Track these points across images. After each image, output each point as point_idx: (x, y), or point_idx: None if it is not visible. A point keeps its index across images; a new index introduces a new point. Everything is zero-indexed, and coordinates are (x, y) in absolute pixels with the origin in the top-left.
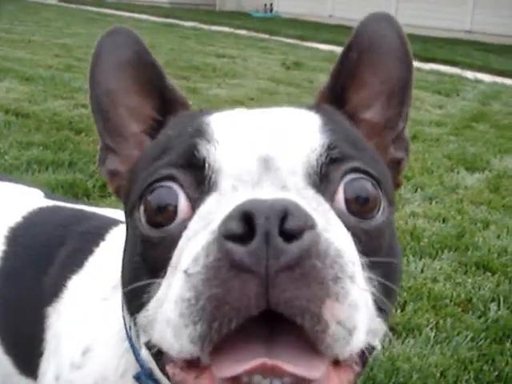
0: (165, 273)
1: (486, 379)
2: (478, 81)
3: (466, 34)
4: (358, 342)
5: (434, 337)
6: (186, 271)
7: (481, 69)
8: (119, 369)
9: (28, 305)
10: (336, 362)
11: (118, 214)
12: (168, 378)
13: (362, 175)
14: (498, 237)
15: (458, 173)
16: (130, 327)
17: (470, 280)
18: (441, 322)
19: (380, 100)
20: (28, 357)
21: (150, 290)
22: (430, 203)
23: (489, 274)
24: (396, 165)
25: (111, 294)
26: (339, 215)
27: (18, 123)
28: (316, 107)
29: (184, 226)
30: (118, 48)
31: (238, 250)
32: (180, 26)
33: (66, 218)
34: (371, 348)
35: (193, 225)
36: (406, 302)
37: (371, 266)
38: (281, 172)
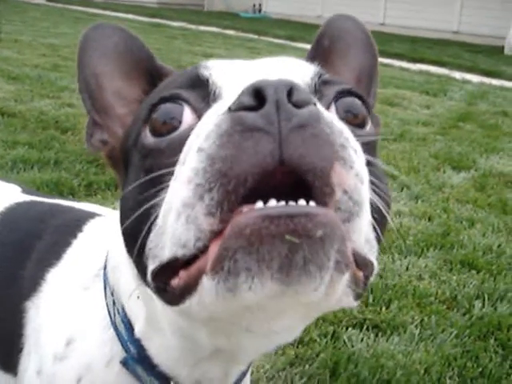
0: (173, 175)
1: (470, 375)
2: (465, 81)
3: (453, 34)
4: (364, 220)
5: (419, 334)
6: (198, 148)
7: (469, 69)
8: (104, 357)
9: (6, 300)
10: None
11: (97, 208)
12: (170, 297)
13: (352, 96)
14: (484, 235)
15: (444, 172)
16: (114, 314)
17: (454, 278)
18: (425, 319)
19: (350, 83)
20: (7, 352)
21: (159, 203)
22: (416, 202)
23: (474, 271)
24: None
25: (92, 283)
26: None
27: (3, 122)
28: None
29: (191, 128)
30: (103, 37)
31: (250, 115)
32: (168, 26)
33: (42, 212)
34: (370, 264)
35: (199, 125)
36: (390, 299)
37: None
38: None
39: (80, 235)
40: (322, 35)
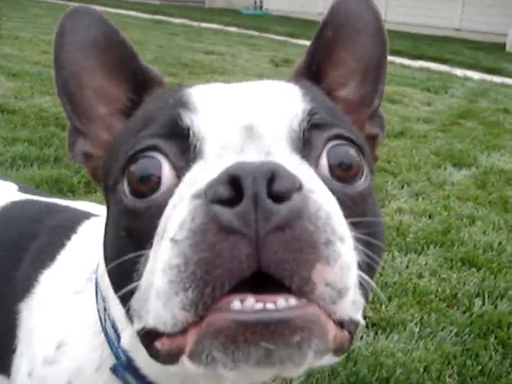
0: (151, 244)
1: (470, 374)
2: (466, 78)
3: (455, 31)
4: (348, 301)
5: (419, 332)
6: (172, 238)
7: (470, 66)
8: (94, 362)
9: (0, 301)
10: None
11: (93, 207)
12: (155, 355)
13: (344, 141)
14: (484, 233)
15: (445, 169)
16: (105, 319)
17: (455, 275)
18: (425, 317)
19: (355, 78)
20: (0, 354)
21: (138, 267)
22: (417, 199)
23: (474, 269)
24: (372, 140)
25: (84, 287)
26: (323, 181)
27: (3, 119)
28: (294, 80)
29: (170, 193)
30: (81, 28)
31: (225, 212)
32: (169, 23)
33: (38, 211)
34: (355, 323)
35: (179, 191)
36: (390, 297)
37: (356, 230)
38: (264, 139)
39: (74, 237)
40: (326, 24)
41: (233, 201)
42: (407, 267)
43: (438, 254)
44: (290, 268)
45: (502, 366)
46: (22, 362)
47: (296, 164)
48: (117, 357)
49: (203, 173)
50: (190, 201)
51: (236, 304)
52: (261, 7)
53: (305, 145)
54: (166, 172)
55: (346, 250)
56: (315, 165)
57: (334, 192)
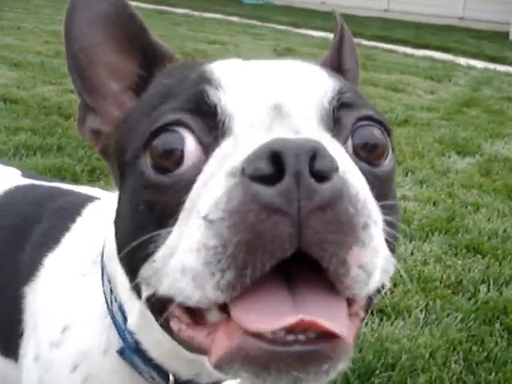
0: (176, 219)
1: (475, 360)
2: (470, 67)
3: (458, 20)
4: (375, 282)
5: (424, 318)
6: (206, 217)
7: (473, 55)
8: (101, 345)
9: (5, 285)
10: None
11: (96, 191)
12: (171, 334)
13: (373, 123)
14: (489, 220)
15: (449, 157)
16: (111, 302)
17: (460, 262)
18: (430, 303)
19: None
20: (7, 338)
21: (157, 239)
22: (421, 187)
23: (479, 256)
24: None
25: (90, 270)
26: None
27: (6, 109)
28: (320, 63)
29: (198, 169)
30: (92, 3)
31: (267, 190)
32: (172, 13)
33: (41, 195)
34: (381, 288)
35: (209, 168)
36: (395, 283)
37: (382, 210)
38: (293, 118)
39: (78, 220)
40: (342, 30)
41: (274, 178)
42: (412, 254)
43: (442, 241)
44: (329, 249)
45: (508, 351)
46: (29, 346)
47: (328, 143)
48: (124, 340)
49: (235, 149)
50: (225, 179)
51: (268, 333)
52: None
53: (335, 124)
54: (191, 147)
55: (378, 232)
56: (344, 144)
57: (362, 173)
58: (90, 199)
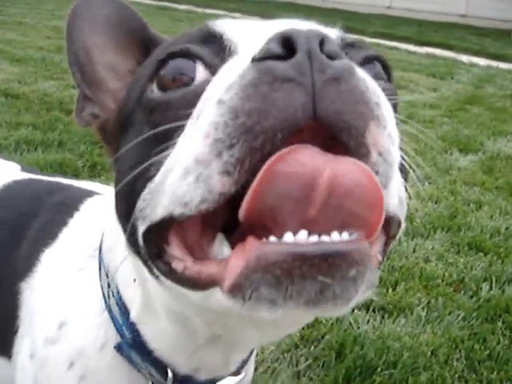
0: (181, 133)
1: (477, 358)
2: (472, 64)
3: (460, 17)
4: (396, 186)
5: (426, 316)
6: (218, 100)
7: (476, 53)
8: (98, 341)
9: (1, 280)
10: None
11: (96, 186)
12: (175, 277)
13: (378, 62)
14: (491, 217)
15: (451, 154)
16: (108, 296)
17: (462, 260)
18: (432, 301)
19: None
20: (2, 334)
21: (159, 161)
22: (423, 184)
23: (481, 254)
24: None
25: (87, 264)
26: None
27: (7, 104)
28: None
29: (206, 83)
30: (95, 7)
31: (280, 64)
32: (174, 9)
33: (40, 190)
34: (397, 224)
35: (217, 78)
36: (397, 281)
37: None
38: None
39: (76, 214)
40: None
41: (286, 57)
42: (414, 251)
43: (444, 238)
44: (347, 119)
45: (510, 350)
46: (23, 343)
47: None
48: (121, 335)
49: (241, 61)
50: (236, 67)
51: (288, 236)
52: None
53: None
54: (201, 70)
55: (392, 121)
56: None
57: None
58: (88, 194)
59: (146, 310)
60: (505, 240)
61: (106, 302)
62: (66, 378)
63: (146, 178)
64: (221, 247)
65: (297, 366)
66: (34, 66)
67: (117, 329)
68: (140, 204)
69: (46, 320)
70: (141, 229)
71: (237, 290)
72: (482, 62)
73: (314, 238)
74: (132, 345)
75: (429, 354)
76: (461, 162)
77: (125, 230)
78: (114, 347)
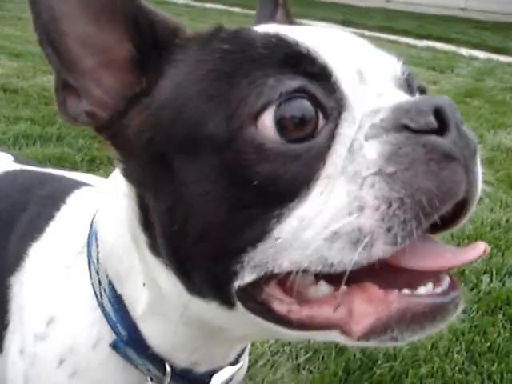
0: (307, 189)
1: (478, 350)
2: (472, 58)
3: (460, 11)
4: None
5: None
6: (379, 171)
7: (476, 46)
8: (91, 339)
9: None
10: None
11: (89, 177)
12: (275, 318)
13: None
14: (491, 210)
15: None
16: (100, 294)
17: None
18: None
19: None
20: None
21: (277, 216)
22: None
23: None
24: None
25: (75, 261)
26: None
27: (5, 98)
28: None
29: (330, 134)
30: None
31: (443, 141)
32: (172, 3)
33: (30, 181)
34: None
35: (344, 130)
36: None
37: None
38: (373, 82)
39: (63, 207)
40: None
41: (441, 131)
42: None
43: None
44: (476, 191)
45: (511, 342)
46: (14, 338)
47: None
48: (116, 332)
49: (367, 110)
50: (380, 135)
51: (422, 289)
52: None
53: (407, 88)
54: (321, 118)
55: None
56: None
57: None
58: (76, 185)
59: (152, 310)
60: (505, 232)
61: (98, 300)
62: (56, 375)
63: (257, 231)
64: (317, 281)
65: (296, 359)
66: (32, 61)
67: (111, 326)
68: (255, 256)
69: (34, 316)
70: (247, 278)
71: (369, 337)
72: (482, 55)
73: (439, 289)
74: (127, 342)
75: (429, 346)
76: None
77: (204, 270)
78: (110, 345)
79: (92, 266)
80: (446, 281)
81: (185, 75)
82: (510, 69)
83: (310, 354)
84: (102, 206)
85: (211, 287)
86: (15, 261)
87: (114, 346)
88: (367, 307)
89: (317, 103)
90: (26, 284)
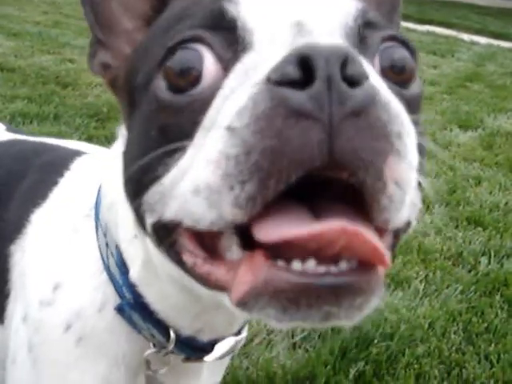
0: (190, 140)
1: (475, 331)
2: (473, 43)
3: None
4: (406, 209)
5: (423, 289)
6: (228, 126)
7: (477, 31)
8: (96, 303)
9: None
10: None
11: (83, 145)
12: (185, 268)
13: (399, 44)
14: (491, 193)
15: (450, 130)
16: (107, 257)
17: (460, 234)
18: (430, 274)
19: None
20: None
21: (167, 162)
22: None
23: (480, 228)
24: None
25: (83, 224)
26: None
27: (2, 77)
28: None
29: (217, 86)
30: None
31: (296, 95)
32: None
33: (26, 150)
34: (408, 224)
35: (230, 82)
36: (395, 254)
37: None
38: (316, 34)
39: (67, 174)
40: None
41: (303, 83)
42: None
43: (443, 213)
44: (366, 157)
45: (508, 323)
46: (16, 306)
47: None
48: (122, 296)
49: (256, 63)
50: (247, 89)
51: (296, 264)
52: None
53: (360, 41)
54: (210, 64)
55: (412, 145)
56: (371, 64)
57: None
58: (77, 153)
59: (147, 271)
60: (504, 215)
61: (104, 263)
62: (62, 341)
63: (153, 175)
64: (231, 242)
65: (293, 337)
66: (30, 41)
67: (116, 290)
68: (147, 198)
69: (39, 282)
70: (149, 219)
71: (244, 305)
72: (483, 40)
73: (322, 269)
74: (133, 306)
75: (426, 326)
76: (460, 138)
77: (134, 212)
78: (115, 308)
79: (99, 229)
80: (348, 263)
81: (158, 22)
82: (511, 54)
83: (306, 332)
84: (107, 167)
85: (141, 228)
86: (16, 229)
87: (120, 310)
88: (245, 275)
89: (213, 51)
90: (28, 251)
